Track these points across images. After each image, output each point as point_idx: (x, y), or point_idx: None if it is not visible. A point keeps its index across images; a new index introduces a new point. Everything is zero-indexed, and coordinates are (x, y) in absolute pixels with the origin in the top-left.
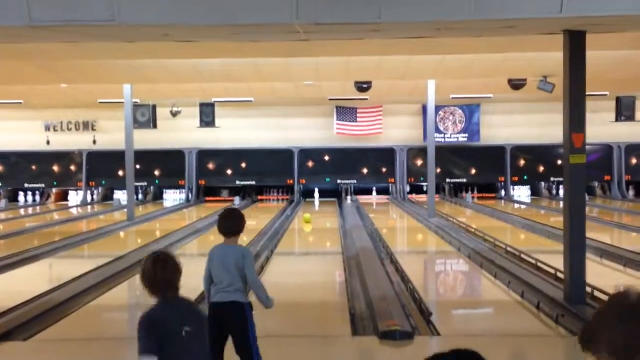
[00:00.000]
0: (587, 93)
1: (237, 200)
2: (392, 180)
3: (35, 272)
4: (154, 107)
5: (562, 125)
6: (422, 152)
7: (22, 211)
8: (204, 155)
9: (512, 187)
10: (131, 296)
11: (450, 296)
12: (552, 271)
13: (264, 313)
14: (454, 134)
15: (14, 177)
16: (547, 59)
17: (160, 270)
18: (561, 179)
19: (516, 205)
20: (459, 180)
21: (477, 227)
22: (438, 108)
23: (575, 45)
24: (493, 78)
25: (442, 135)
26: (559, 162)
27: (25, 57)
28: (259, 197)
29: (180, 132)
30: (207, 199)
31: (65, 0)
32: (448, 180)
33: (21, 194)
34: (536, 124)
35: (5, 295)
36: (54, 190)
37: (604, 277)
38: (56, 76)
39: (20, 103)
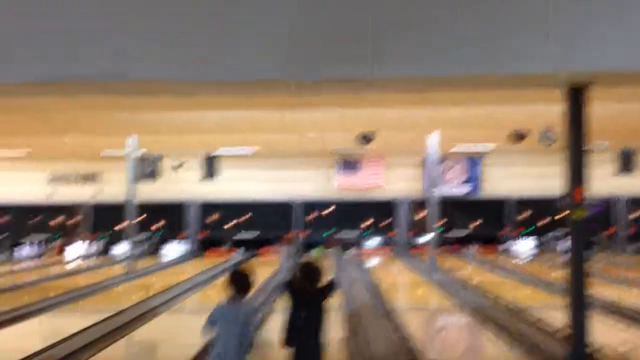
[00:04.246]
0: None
1: (237, 253)
2: (393, 234)
3: (31, 327)
4: (157, 159)
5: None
6: (423, 204)
7: (22, 264)
8: (206, 207)
9: (514, 240)
10: (128, 353)
11: (451, 354)
12: (555, 329)
13: None
14: (455, 187)
15: (15, 230)
16: (551, 111)
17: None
18: (564, 232)
19: (518, 260)
20: (460, 235)
21: (479, 282)
22: (440, 159)
23: (575, 101)
24: (494, 130)
25: (444, 187)
26: (561, 215)
27: (24, 110)
28: (260, 251)
29: (183, 184)
30: (208, 251)
31: (65, 57)
32: (449, 234)
33: (22, 246)
34: (539, 176)
35: (3, 353)
36: (56, 243)
37: (608, 335)
38: (57, 129)
39: (24, 156)
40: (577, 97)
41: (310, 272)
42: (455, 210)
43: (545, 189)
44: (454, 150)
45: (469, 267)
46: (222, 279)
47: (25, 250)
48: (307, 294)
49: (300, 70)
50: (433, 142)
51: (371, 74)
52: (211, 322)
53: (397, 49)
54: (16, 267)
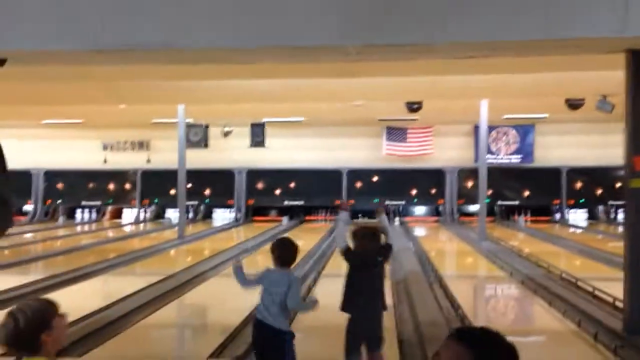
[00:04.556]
0: None
1: (285, 220)
2: (442, 202)
3: (90, 288)
4: (207, 127)
5: (622, 146)
6: (472, 173)
7: (78, 228)
8: (253, 174)
9: (567, 210)
10: (179, 315)
11: (502, 323)
12: (611, 300)
13: (308, 336)
14: (506, 155)
15: (72, 195)
16: (607, 77)
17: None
18: (620, 202)
19: (572, 230)
20: (511, 203)
21: (530, 252)
22: (490, 128)
23: (637, 66)
24: (549, 97)
25: (494, 156)
26: (618, 184)
27: (86, 78)
28: (307, 218)
29: (231, 152)
30: (255, 218)
31: (129, 26)
32: (499, 202)
33: (78, 211)
34: (593, 145)
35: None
36: (109, 208)
37: None
38: (115, 97)
39: (80, 123)
40: (639, 62)
41: (369, 234)
42: (506, 179)
43: (600, 158)
44: (505, 117)
45: (520, 237)
46: (269, 246)
47: (82, 214)
48: (366, 257)
49: (360, 35)
50: (484, 109)
51: (432, 39)
52: (256, 280)
53: (460, 14)
54: (74, 230)
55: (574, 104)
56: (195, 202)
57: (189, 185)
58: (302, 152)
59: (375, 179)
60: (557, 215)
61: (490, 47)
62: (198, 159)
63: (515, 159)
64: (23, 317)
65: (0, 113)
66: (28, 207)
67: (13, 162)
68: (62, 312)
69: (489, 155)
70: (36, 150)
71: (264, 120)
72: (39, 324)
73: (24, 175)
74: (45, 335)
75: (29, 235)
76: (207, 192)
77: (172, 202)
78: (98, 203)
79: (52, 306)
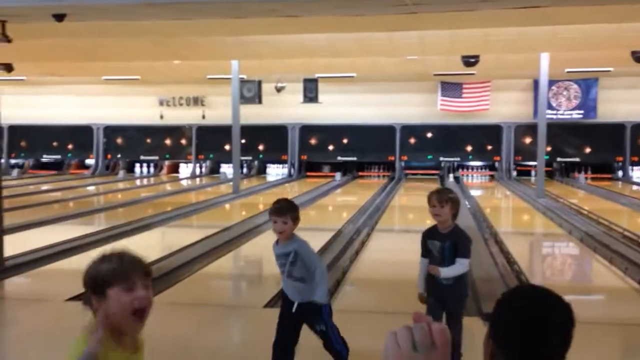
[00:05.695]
0: None
1: (337, 176)
2: (498, 158)
3: (149, 239)
4: (260, 82)
5: None
6: (531, 129)
7: (137, 182)
8: (307, 130)
9: (631, 167)
10: (235, 266)
11: (560, 280)
12: None
13: (363, 289)
14: (567, 110)
15: (131, 150)
16: None
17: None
18: None
19: (635, 187)
20: (571, 160)
21: (591, 209)
22: (551, 83)
23: None
24: (613, 50)
25: (555, 112)
26: None
27: (141, 34)
28: (360, 173)
29: (284, 108)
30: (309, 173)
31: None
32: (559, 159)
33: (137, 165)
34: None
35: None
36: (166, 163)
37: None
38: (170, 53)
39: (137, 79)
40: None
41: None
42: (567, 135)
43: None
44: (567, 71)
45: (580, 194)
46: (322, 201)
47: (141, 169)
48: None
49: None
50: (545, 63)
51: None
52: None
53: None
54: (134, 184)
55: (639, 57)
56: (249, 158)
57: (243, 141)
58: (355, 107)
59: (429, 134)
60: (620, 173)
61: None
62: (252, 114)
63: (577, 115)
64: (91, 265)
65: (62, 69)
66: (90, 161)
67: (75, 118)
68: (137, 287)
69: (548, 111)
70: (96, 106)
71: (317, 75)
72: (91, 282)
73: (86, 130)
74: (95, 301)
75: (91, 188)
76: (261, 147)
77: (227, 157)
78: (156, 158)
79: (118, 273)
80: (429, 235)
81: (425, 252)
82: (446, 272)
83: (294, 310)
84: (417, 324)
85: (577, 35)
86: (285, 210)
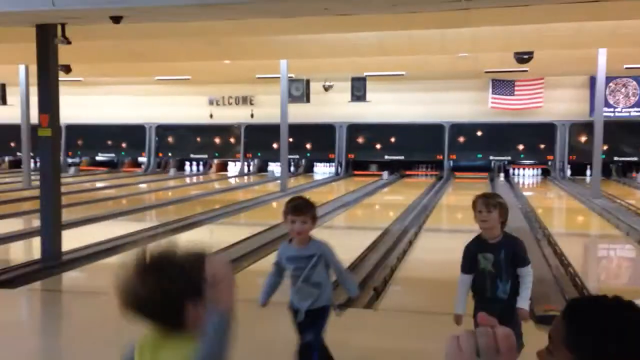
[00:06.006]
0: None
1: (385, 175)
2: (551, 158)
3: (198, 236)
4: (308, 81)
5: None
6: (586, 127)
7: (187, 179)
8: (354, 129)
9: None
10: None
11: (616, 283)
12: None
13: (410, 289)
14: (625, 108)
15: (181, 148)
16: None
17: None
18: None
19: None
20: (629, 159)
21: None
22: (608, 79)
23: None
24: None
25: (612, 109)
26: None
27: (193, 35)
28: (407, 172)
29: (332, 106)
30: (356, 172)
31: None
32: (616, 158)
33: (187, 163)
34: None
35: None
36: (215, 161)
37: None
38: (220, 53)
39: (188, 79)
40: None
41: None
42: (624, 133)
43: None
44: (626, 67)
45: (638, 194)
46: (368, 200)
47: (191, 167)
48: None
49: None
50: (602, 59)
51: None
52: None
53: None
54: (184, 182)
55: None
56: (297, 156)
57: (291, 140)
58: (403, 106)
59: (479, 133)
60: None
61: None
62: (300, 113)
63: (635, 112)
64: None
65: (117, 69)
66: (142, 159)
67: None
68: None
69: (605, 109)
70: (149, 105)
71: (365, 74)
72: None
73: (139, 129)
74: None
75: (143, 186)
76: (309, 146)
77: (275, 156)
78: (205, 156)
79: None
80: (478, 248)
81: (469, 267)
82: (525, 301)
83: (302, 319)
84: (481, 328)
85: (638, 30)
86: (305, 209)
